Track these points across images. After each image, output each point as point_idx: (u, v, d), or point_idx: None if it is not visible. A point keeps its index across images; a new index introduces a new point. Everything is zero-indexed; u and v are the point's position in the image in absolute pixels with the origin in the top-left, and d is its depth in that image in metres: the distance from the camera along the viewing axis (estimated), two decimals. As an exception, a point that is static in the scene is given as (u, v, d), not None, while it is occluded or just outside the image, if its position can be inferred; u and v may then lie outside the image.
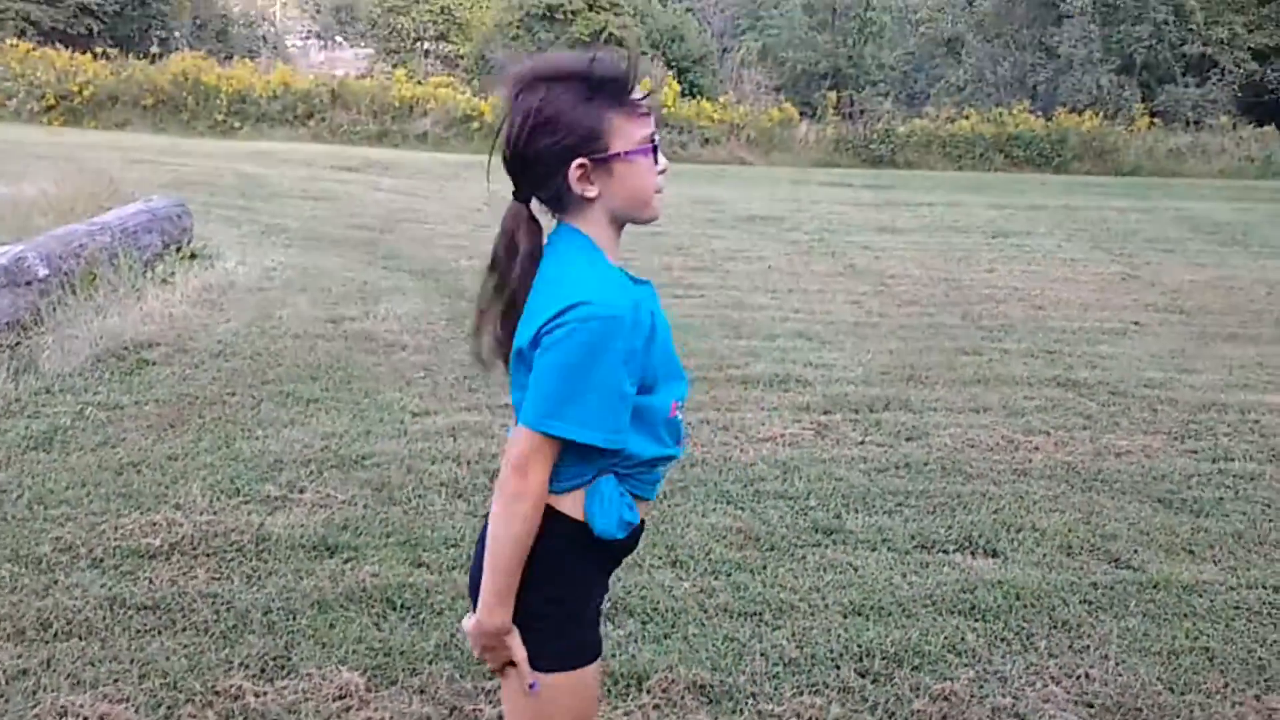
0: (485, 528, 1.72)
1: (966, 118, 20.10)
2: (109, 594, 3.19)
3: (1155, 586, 3.53)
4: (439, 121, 18.79)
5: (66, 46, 21.80)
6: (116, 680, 2.77)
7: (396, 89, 19.63)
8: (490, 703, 2.70)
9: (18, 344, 5.37)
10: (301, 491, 3.99)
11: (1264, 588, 3.56)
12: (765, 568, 3.57)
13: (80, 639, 2.96)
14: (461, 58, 41.50)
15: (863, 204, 13.21)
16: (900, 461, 4.58)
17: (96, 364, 5.32)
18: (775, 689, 2.88)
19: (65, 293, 5.87)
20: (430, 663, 2.90)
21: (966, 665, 3.03)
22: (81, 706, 2.65)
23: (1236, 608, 3.42)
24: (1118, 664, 3.06)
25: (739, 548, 3.71)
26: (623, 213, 1.68)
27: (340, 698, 2.75)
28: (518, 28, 37.50)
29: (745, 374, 5.73)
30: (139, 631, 3.01)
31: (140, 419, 4.67)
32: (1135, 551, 3.80)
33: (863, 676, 2.96)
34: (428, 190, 12.31)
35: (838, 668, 2.99)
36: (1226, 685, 2.98)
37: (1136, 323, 7.34)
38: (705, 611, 3.26)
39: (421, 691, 2.79)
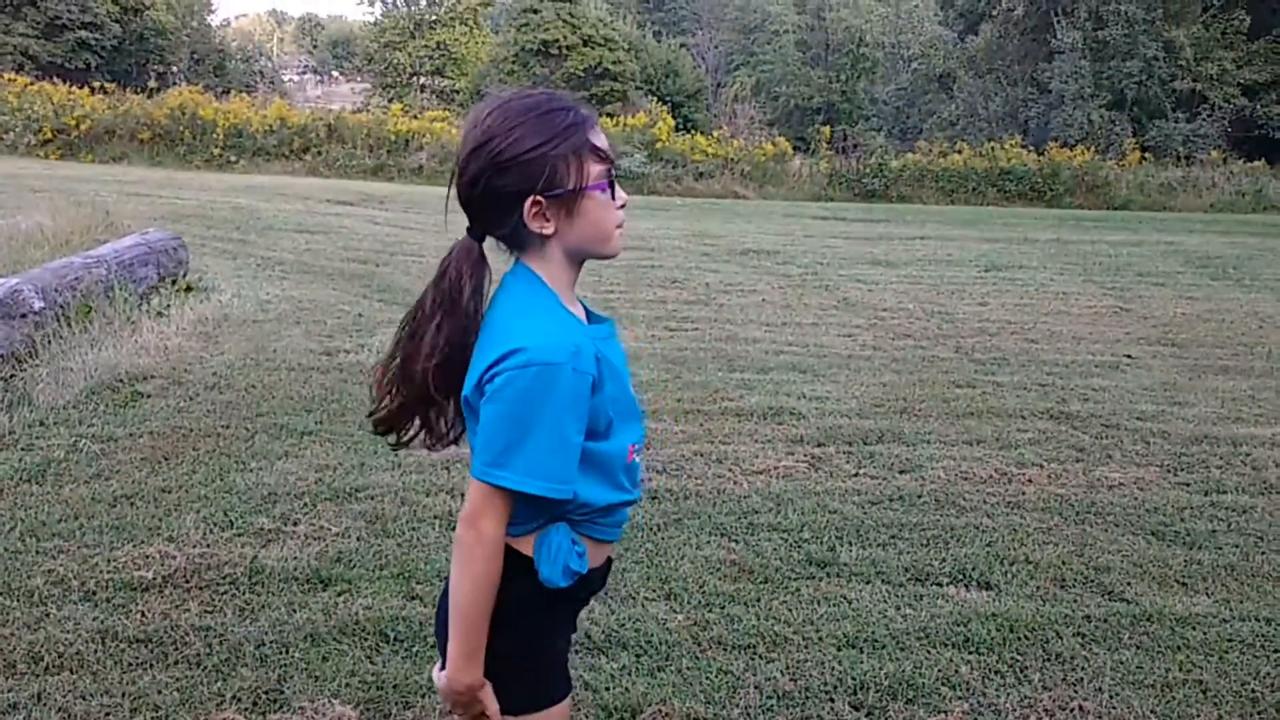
0: (447, 583, 1.69)
1: (959, 152, 20.23)
2: (101, 627, 3.18)
3: (1149, 619, 3.53)
4: (434, 155, 18.87)
5: (64, 81, 21.96)
6: (108, 714, 2.76)
7: (392, 123, 19.73)
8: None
9: (12, 376, 5.37)
10: (295, 524, 3.99)
11: (1257, 620, 3.57)
12: (759, 600, 3.57)
13: (72, 672, 2.95)
14: (457, 92, 41.86)
15: (856, 238, 13.27)
16: (894, 494, 4.59)
17: (91, 396, 5.32)
18: (769, 722, 2.87)
19: (60, 325, 5.88)
20: (423, 696, 2.89)
21: (960, 698, 3.03)
22: (72, 740, 2.64)
23: (1230, 640, 3.42)
24: (1111, 696, 3.06)
25: (733, 580, 3.71)
26: (582, 249, 1.66)
27: (333, 731, 2.74)
28: (513, 63, 37.87)
29: (739, 406, 5.74)
30: (131, 665, 3.00)
31: (134, 451, 4.66)
32: (1128, 584, 3.80)
33: (857, 709, 2.95)
34: (423, 224, 12.34)
35: (832, 701, 2.98)
36: (1220, 718, 2.98)
37: (1129, 356, 7.37)
38: (699, 644, 3.26)
39: (414, 725, 2.78)
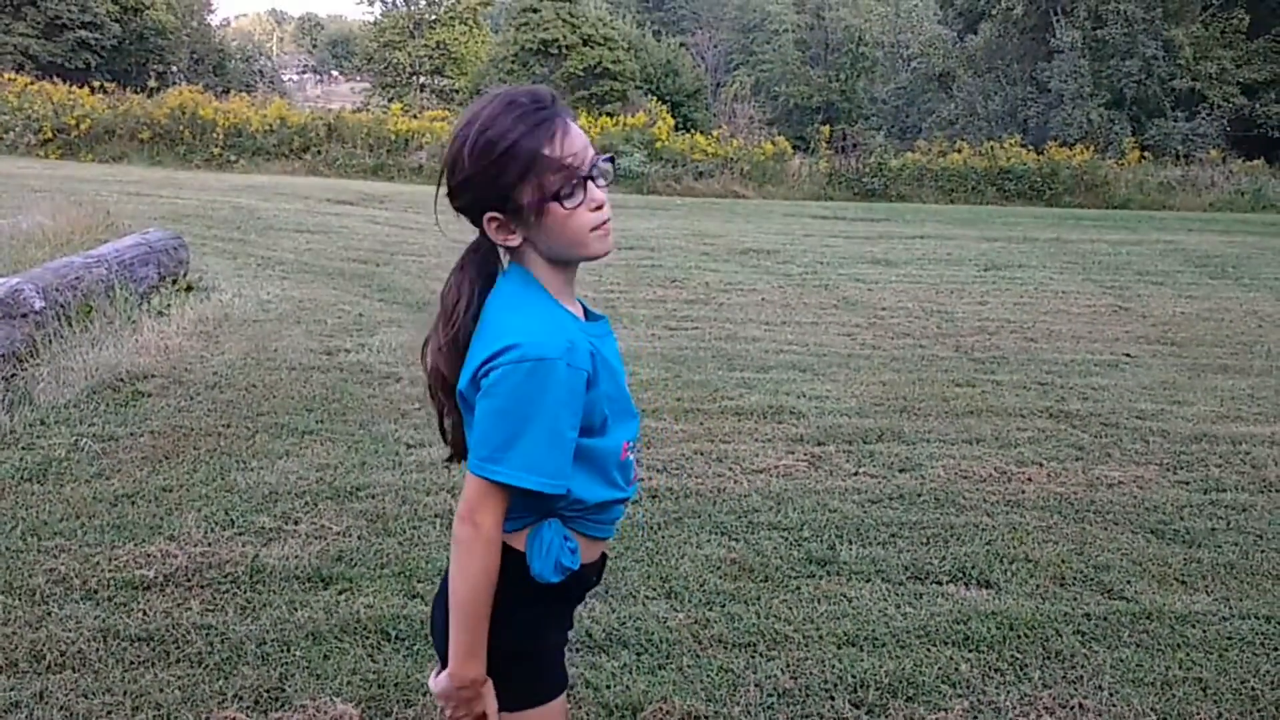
0: (444, 580, 1.70)
1: (958, 151, 20.24)
2: (103, 626, 3.19)
3: (1148, 617, 3.54)
4: (434, 155, 18.86)
5: (64, 80, 21.97)
6: (110, 713, 2.77)
7: (392, 123, 19.74)
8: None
9: (13, 376, 5.38)
10: (296, 523, 3.99)
11: (1257, 618, 3.57)
12: (759, 599, 3.58)
13: (74, 671, 2.96)
14: (457, 91, 41.88)
15: (855, 237, 13.28)
16: (894, 493, 4.60)
17: (91, 396, 5.33)
18: (769, 720, 2.88)
19: (61, 325, 5.89)
20: (425, 694, 2.89)
21: (960, 696, 3.03)
22: (75, 739, 2.65)
23: (1229, 638, 3.43)
24: (1111, 695, 3.06)
25: (733, 579, 3.72)
26: (559, 254, 1.65)
27: (334, 729, 2.75)
28: (513, 62, 37.88)
29: (739, 405, 5.75)
30: (133, 663, 3.01)
31: (135, 451, 4.67)
32: (1128, 582, 3.81)
33: (857, 707, 2.96)
34: (423, 223, 12.34)
35: (832, 699, 2.99)
36: (1220, 716, 2.98)
37: (1128, 354, 7.38)
38: (699, 642, 3.26)
39: (416, 723, 2.79)
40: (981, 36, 31.62)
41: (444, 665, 1.78)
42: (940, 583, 3.76)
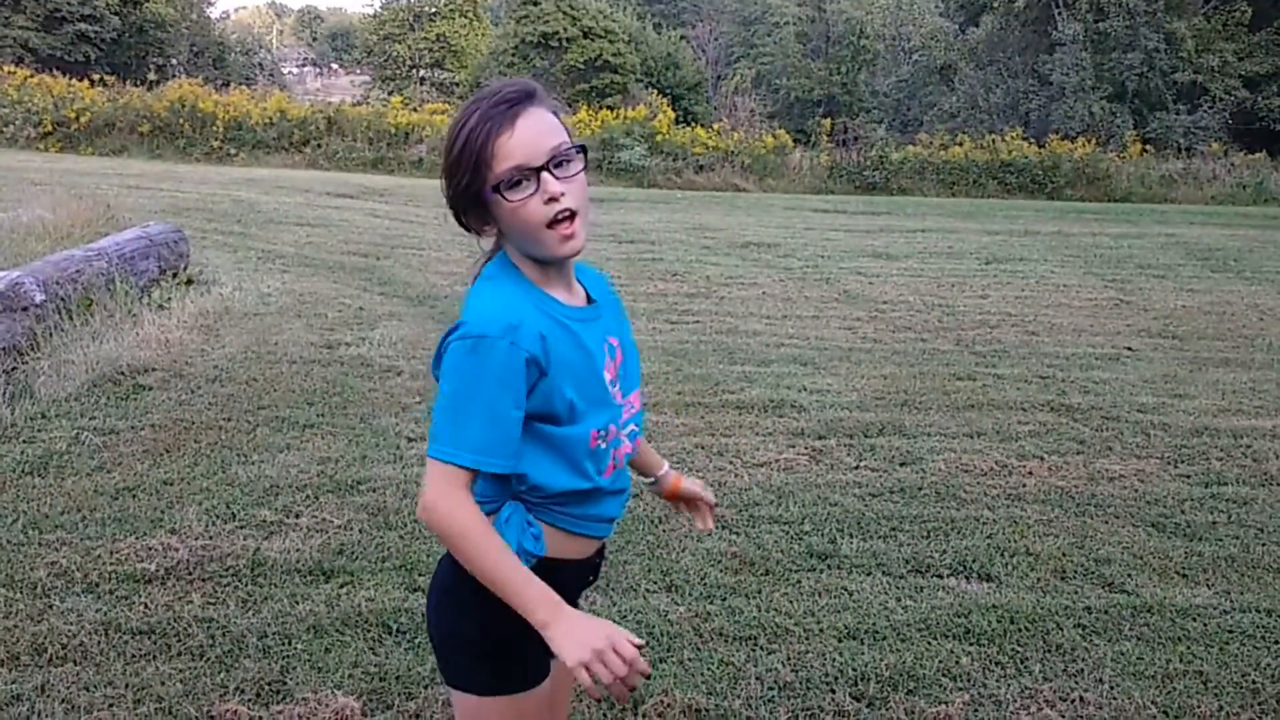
0: (436, 574, 1.77)
1: (960, 144, 20.21)
2: (104, 619, 3.19)
3: (1149, 610, 3.54)
4: (434, 148, 18.84)
5: (64, 73, 21.91)
6: (111, 705, 2.77)
7: (392, 116, 19.72)
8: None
9: (13, 369, 5.38)
10: (297, 516, 4.00)
11: (1257, 611, 3.58)
12: (760, 592, 3.58)
13: (75, 664, 2.96)
14: (457, 85, 41.82)
15: (856, 230, 13.26)
16: (895, 486, 4.60)
17: (92, 389, 5.33)
18: (771, 713, 2.88)
19: (61, 318, 5.89)
20: (426, 687, 2.90)
21: (961, 689, 3.04)
22: (76, 732, 2.65)
23: (1230, 631, 3.43)
24: (1112, 688, 3.06)
25: (734, 572, 3.72)
26: (524, 249, 1.66)
27: (335, 722, 2.75)
28: (513, 55, 37.81)
29: (740, 399, 5.74)
30: (134, 656, 3.01)
31: (136, 444, 4.67)
32: (1129, 575, 3.81)
33: (858, 700, 2.96)
34: (423, 217, 12.34)
35: (833, 692, 2.99)
36: (1220, 709, 2.98)
37: (1129, 348, 7.38)
38: (700, 636, 3.27)
39: (417, 716, 2.79)
40: (983, 29, 31.60)
41: (438, 656, 1.77)
42: (941, 576, 3.76)
